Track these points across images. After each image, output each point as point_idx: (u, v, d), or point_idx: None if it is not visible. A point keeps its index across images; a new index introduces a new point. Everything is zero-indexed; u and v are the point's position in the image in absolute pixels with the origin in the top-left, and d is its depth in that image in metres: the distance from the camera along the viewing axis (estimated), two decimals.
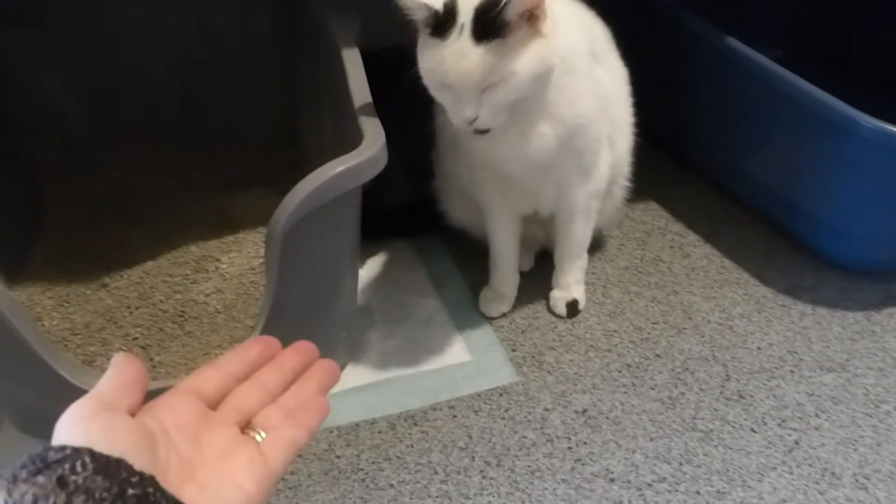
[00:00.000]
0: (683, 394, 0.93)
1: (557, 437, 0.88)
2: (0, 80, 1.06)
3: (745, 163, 1.16)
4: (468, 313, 1.04)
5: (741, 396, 0.93)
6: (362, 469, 0.85)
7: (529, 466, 0.85)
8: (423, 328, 1.02)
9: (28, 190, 1.09)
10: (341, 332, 0.93)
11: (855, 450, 0.87)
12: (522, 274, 1.06)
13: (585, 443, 0.87)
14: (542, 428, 0.89)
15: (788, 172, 1.09)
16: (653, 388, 0.94)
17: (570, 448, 0.87)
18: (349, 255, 0.88)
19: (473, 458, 0.86)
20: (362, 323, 1.01)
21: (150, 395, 0.50)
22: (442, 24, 0.75)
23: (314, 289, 0.84)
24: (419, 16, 0.76)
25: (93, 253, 1.04)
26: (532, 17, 0.75)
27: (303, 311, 0.83)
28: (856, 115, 0.95)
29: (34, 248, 1.03)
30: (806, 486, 0.83)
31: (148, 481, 0.40)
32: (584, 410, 0.91)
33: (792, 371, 0.96)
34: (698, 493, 0.82)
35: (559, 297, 1.04)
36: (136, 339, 0.92)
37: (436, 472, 0.84)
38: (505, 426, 0.89)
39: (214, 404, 0.50)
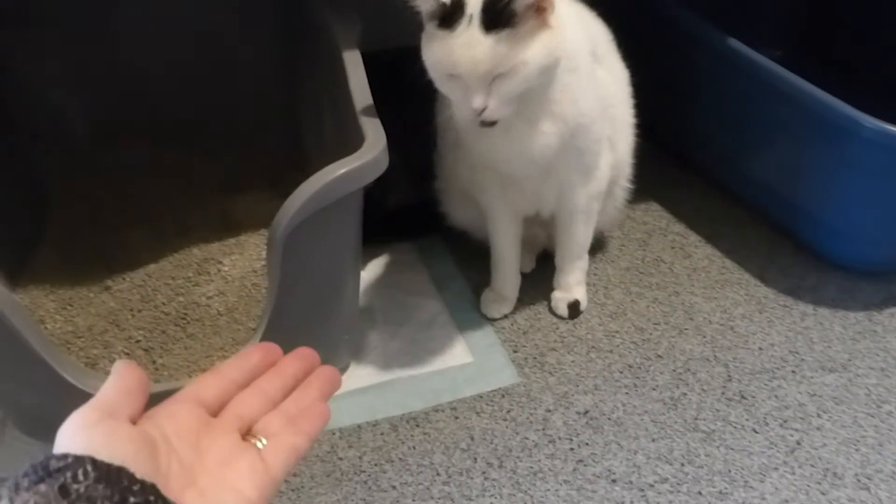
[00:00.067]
0: (685, 394, 0.93)
1: (559, 438, 0.88)
2: (1, 81, 1.06)
3: (746, 163, 1.16)
4: (470, 314, 1.04)
5: (743, 397, 0.93)
6: (364, 471, 0.85)
7: (531, 467, 0.85)
8: (425, 330, 1.02)
9: (30, 192, 1.09)
10: (343, 333, 0.93)
11: (857, 450, 0.87)
12: (524, 275, 1.06)
13: (587, 444, 0.87)
14: (543, 429, 0.89)
15: (789, 173, 1.09)
16: (654, 389, 0.94)
17: (571, 449, 0.87)
18: (351, 256, 0.88)
19: (475, 459, 0.86)
20: (364, 324, 1.01)
21: (153, 398, 0.50)
22: (450, 15, 0.75)
23: (316, 291, 0.84)
24: (426, 8, 0.76)
25: (95, 255, 1.04)
26: (540, 9, 0.75)
27: (305, 313, 0.83)
28: (857, 116, 0.95)
29: (37, 250, 1.03)
30: (808, 486, 0.83)
31: (149, 489, 0.40)
32: (586, 411, 0.91)
33: (794, 371, 0.96)
34: (700, 493, 0.82)
35: (561, 298, 1.04)
36: (138, 341, 0.92)
37: (438, 474, 0.84)
38: (507, 427, 0.89)
39: (215, 411, 0.50)
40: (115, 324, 0.94)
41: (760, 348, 0.99)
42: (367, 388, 0.94)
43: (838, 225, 1.06)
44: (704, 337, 1.01)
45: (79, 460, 0.39)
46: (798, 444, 0.88)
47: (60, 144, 1.12)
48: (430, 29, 0.77)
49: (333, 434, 0.88)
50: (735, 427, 0.89)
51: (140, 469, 0.41)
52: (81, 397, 0.73)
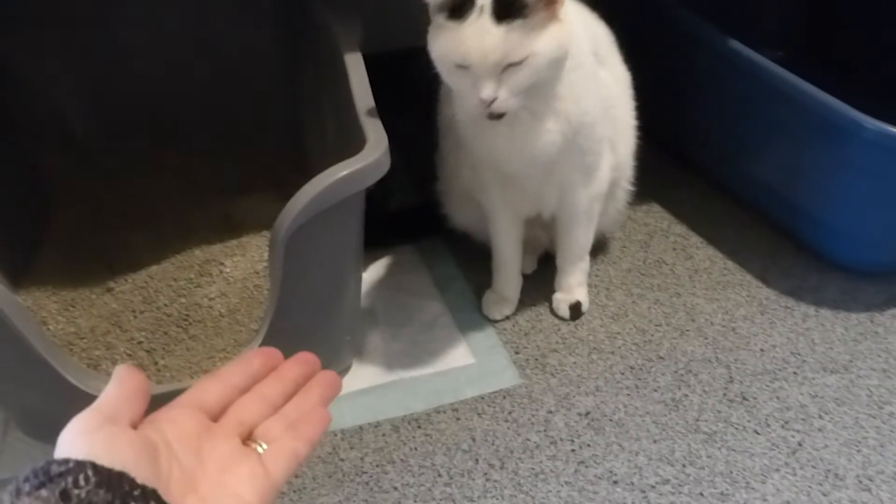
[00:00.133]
0: (686, 396, 0.93)
1: (561, 440, 0.88)
2: (4, 83, 1.06)
3: (747, 164, 1.16)
4: (471, 316, 1.04)
5: (744, 398, 0.93)
6: (366, 472, 0.85)
7: (533, 469, 0.85)
8: (427, 331, 1.02)
9: (32, 194, 1.09)
10: (345, 335, 0.93)
11: (858, 451, 0.87)
12: (525, 276, 1.06)
13: (589, 445, 0.88)
14: (545, 430, 0.89)
15: (790, 174, 1.09)
16: (656, 391, 0.94)
17: (573, 450, 0.87)
18: (352, 258, 0.88)
19: (477, 460, 0.86)
20: (366, 326, 1.01)
21: (156, 400, 0.51)
22: (460, 6, 0.75)
23: (318, 292, 0.84)
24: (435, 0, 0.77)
25: (97, 257, 1.04)
26: (550, 2, 0.76)
27: (306, 315, 0.83)
28: (858, 117, 0.95)
29: (39, 251, 1.04)
30: (809, 487, 0.83)
31: (150, 494, 0.40)
32: (588, 413, 0.91)
33: (795, 372, 0.96)
34: (701, 494, 0.82)
35: (562, 300, 1.04)
36: (140, 342, 0.92)
37: (439, 475, 0.84)
38: (508, 429, 0.89)
39: (216, 416, 0.50)
40: (117, 325, 0.95)
41: (762, 349, 1.00)
42: (368, 390, 0.94)
43: (839, 226, 1.06)
44: (706, 338, 1.01)
45: (80, 465, 0.39)
46: (799, 445, 0.88)
47: (62, 145, 1.12)
48: (439, 21, 0.77)
49: (335, 435, 0.88)
50: (736, 428, 0.89)
51: (141, 474, 0.41)
52: (84, 398, 0.73)
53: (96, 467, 0.39)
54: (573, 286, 1.04)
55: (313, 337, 0.87)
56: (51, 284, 0.99)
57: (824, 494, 0.82)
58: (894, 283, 1.09)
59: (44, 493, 0.38)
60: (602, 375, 0.96)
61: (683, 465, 0.85)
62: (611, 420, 0.90)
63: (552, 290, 1.05)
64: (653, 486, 0.83)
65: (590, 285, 1.07)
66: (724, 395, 0.93)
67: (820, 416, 0.91)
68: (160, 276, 1.01)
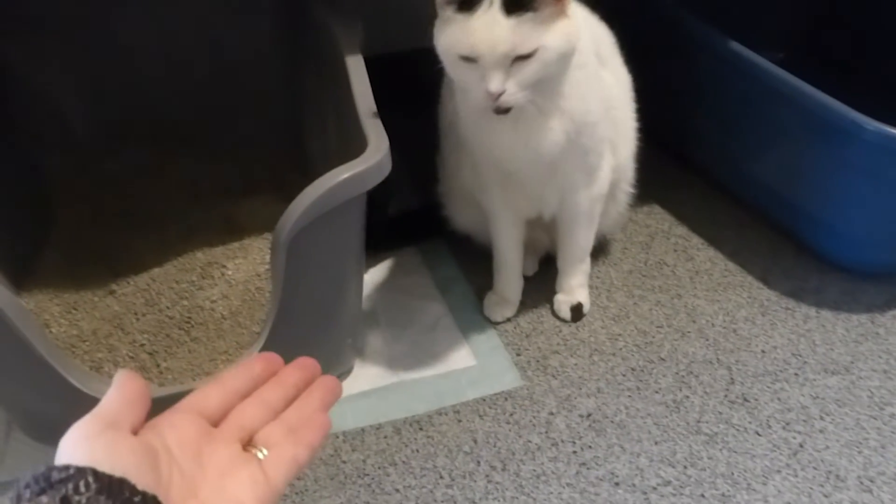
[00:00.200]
0: (688, 397, 0.93)
1: (562, 441, 0.88)
2: (5, 84, 1.07)
3: (748, 166, 1.16)
4: (473, 318, 1.04)
5: (745, 399, 0.93)
6: (368, 474, 0.85)
7: (534, 471, 0.85)
8: (428, 333, 1.02)
9: (35, 197, 1.10)
10: (347, 337, 0.93)
11: (859, 452, 0.87)
12: (526, 278, 1.06)
13: (590, 447, 0.88)
14: (546, 432, 0.89)
15: (791, 175, 1.09)
16: (657, 392, 0.94)
17: (574, 452, 0.87)
18: (354, 260, 0.88)
19: (479, 462, 0.86)
20: (367, 328, 1.02)
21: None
22: None
23: (320, 295, 0.84)
24: None
25: (100, 259, 1.04)
26: None
27: (308, 317, 0.84)
28: (858, 119, 0.95)
29: (42, 255, 1.04)
30: (811, 488, 0.83)
31: (150, 500, 0.40)
32: (589, 414, 0.91)
33: (796, 374, 0.96)
34: (703, 496, 0.82)
35: (563, 301, 1.04)
36: (143, 345, 0.93)
37: (441, 477, 0.85)
38: (510, 430, 0.90)
39: (217, 421, 0.50)
40: (119, 327, 0.95)
41: (763, 351, 1.00)
42: (370, 392, 0.94)
43: (840, 227, 1.06)
44: (707, 340, 1.01)
45: (80, 472, 0.39)
46: (801, 446, 0.88)
47: (63, 148, 1.13)
48: (447, 14, 0.77)
49: (337, 437, 0.88)
50: (738, 430, 0.90)
51: (141, 480, 0.41)
52: (86, 401, 0.74)
53: (97, 473, 0.39)
54: (574, 288, 1.04)
55: (315, 339, 0.87)
56: (53, 287, 0.99)
57: (825, 496, 0.82)
58: (895, 284, 1.09)
59: (44, 499, 0.38)
60: (603, 377, 0.96)
61: (685, 467, 0.85)
62: (612, 422, 0.91)
63: (553, 292, 1.06)
64: (654, 488, 0.83)
65: (591, 287, 1.07)
66: (726, 396, 0.94)
67: (821, 418, 0.91)
68: (162, 279, 1.01)
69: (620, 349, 1.00)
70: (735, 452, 0.87)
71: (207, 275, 1.01)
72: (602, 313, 1.05)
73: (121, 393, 0.47)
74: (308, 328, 0.85)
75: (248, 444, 0.50)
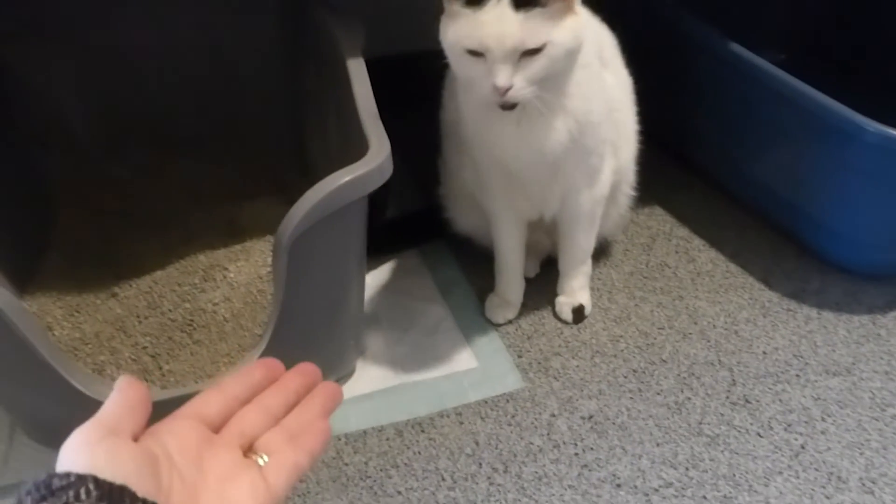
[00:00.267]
0: (689, 399, 0.94)
1: (564, 443, 0.88)
2: (7, 89, 1.07)
3: (749, 167, 1.16)
4: (474, 320, 1.04)
5: (747, 401, 0.93)
6: (370, 476, 0.85)
7: (536, 472, 0.85)
8: (430, 335, 1.02)
9: (36, 199, 1.10)
10: (348, 339, 0.94)
11: (861, 454, 0.87)
12: (528, 280, 1.06)
13: (592, 448, 0.88)
14: (548, 434, 0.89)
15: (793, 176, 1.09)
16: (659, 394, 0.94)
17: (576, 454, 0.87)
18: (356, 262, 0.88)
19: (481, 464, 0.86)
20: (369, 330, 1.02)
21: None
22: None
23: (321, 297, 0.84)
24: None
25: (102, 262, 1.04)
26: None
27: (310, 320, 0.84)
28: (859, 120, 0.95)
29: (44, 257, 1.04)
30: (812, 490, 0.83)
31: None
32: (591, 416, 0.91)
33: (798, 375, 0.97)
34: (705, 497, 0.82)
35: (565, 303, 1.04)
36: (145, 347, 0.93)
37: (443, 479, 0.85)
38: (512, 432, 0.90)
39: (217, 427, 0.50)
40: (122, 330, 0.95)
41: (765, 352, 1.00)
42: (372, 394, 0.94)
43: (841, 228, 1.06)
44: (709, 341, 1.01)
45: (81, 479, 0.39)
46: (802, 448, 0.88)
47: (64, 149, 1.13)
48: (455, 8, 0.77)
49: (339, 439, 0.89)
50: (739, 431, 0.90)
51: (142, 487, 0.41)
52: (89, 404, 0.74)
53: (97, 481, 0.39)
54: (576, 290, 1.04)
55: (317, 341, 0.87)
56: (56, 290, 0.99)
57: (827, 497, 0.83)
58: None
59: None
60: (605, 379, 0.96)
61: (686, 469, 0.86)
62: (614, 423, 0.91)
63: (555, 294, 1.06)
64: (656, 490, 0.83)
65: (592, 289, 1.07)
66: (727, 398, 0.94)
67: (823, 419, 0.91)
68: (164, 282, 1.01)
69: (622, 351, 1.00)
70: (737, 454, 0.87)
71: (209, 277, 1.01)
72: (603, 315, 1.05)
73: (122, 399, 0.47)
74: (310, 330, 0.85)
75: (248, 450, 0.50)
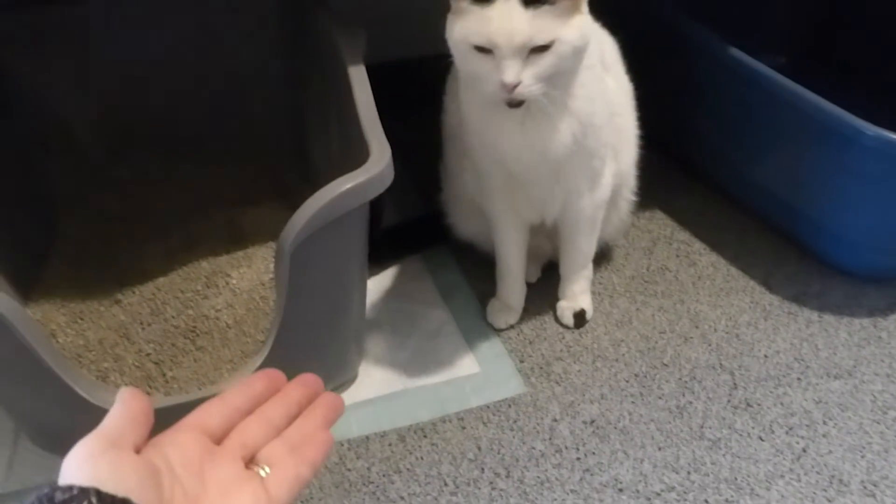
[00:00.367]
0: (691, 402, 0.94)
1: (566, 448, 0.89)
2: (13, 97, 1.07)
3: (749, 170, 1.16)
4: (476, 324, 1.05)
5: (748, 404, 0.93)
6: (373, 482, 0.85)
7: (538, 477, 0.85)
8: (432, 340, 1.02)
9: (41, 206, 1.10)
10: (350, 344, 0.94)
11: (863, 456, 0.87)
12: (529, 285, 1.06)
13: (594, 453, 0.88)
14: (550, 438, 0.90)
15: (793, 180, 1.09)
16: (660, 398, 0.94)
17: (578, 458, 0.87)
18: (357, 268, 0.89)
19: (483, 469, 0.86)
20: (371, 335, 1.02)
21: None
22: None
23: (324, 303, 0.85)
24: None
25: (105, 268, 1.05)
26: None
27: (313, 325, 0.84)
28: (858, 124, 0.96)
29: (47, 263, 1.04)
30: (814, 493, 0.83)
31: None
32: (593, 420, 0.92)
33: (799, 378, 0.97)
34: (706, 501, 0.83)
35: (566, 308, 1.05)
36: (148, 354, 0.93)
37: (446, 484, 0.85)
38: (514, 437, 0.90)
39: (219, 439, 0.51)
40: (125, 337, 0.95)
41: (766, 355, 1.00)
42: (374, 399, 0.94)
43: (842, 231, 1.07)
44: (710, 345, 1.01)
45: (83, 492, 0.40)
46: (804, 451, 0.88)
47: (66, 154, 1.13)
48: (463, 6, 0.78)
49: (342, 445, 0.89)
50: (741, 435, 0.90)
51: (144, 500, 0.41)
52: (93, 410, 0.74)
53: (100, 494, 0.40)
54: (577, 294, 1.05)
55: (319, 347, 0.88)
56: (59, 297, 0.99)
57: (829, 500, 0.83)
58: None
59: None
60: (607, 383, 0.96)
61: (688, 472, 0.86)
62: (616, 428, 0.91)
63: (556, 299, 1.06)
64: (658, 494, 0.84)
65: (593, 293, 1.08)
66: (729, 401, 0.94)
67: (824, 422, 0.91)
68: (167, 288, 1.02)
69: (623, 355, 1.00)
70: (738, 457, 0.87)
71: (212, 284, 1.01)
72: (605, 319, 1.06)
73: (124, 411, 0.47)
74: (312, 336, 0.85)
75: (250, 461, 0.51)
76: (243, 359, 0.92)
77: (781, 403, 0.93)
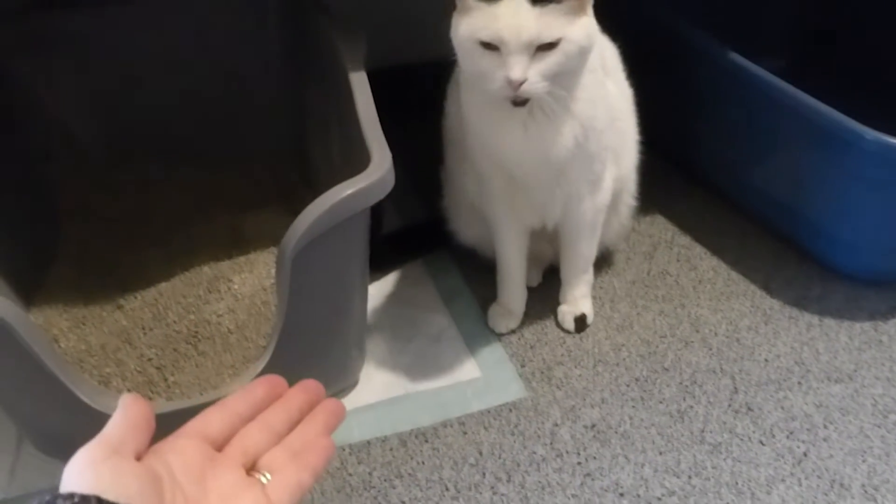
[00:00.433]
0: (692, 407, 0.94)
1: (567, 452, 0.89)
2: (16, 102, 1.08)
3: (750, 175, 1.16)
4: (477, 329, 1.05)
5: (749, 408, 0.93)
6: (374, 486, 0.85)
7: (539, 482, 0.86)
8: (433, 344, 1.03)
9: (44, 211, 1.11)
10: (352, 349, 0.94)
11: (864, 460, 0.87)
12: (530, 290, 1.06)
13: (595, 457, 0.88)
14: (551, 443, 0.90)
15: (793, 184, 1.09)
16: (661, 402, 0.95)
17: (579, 463, 0.88)
18: (359, 273, 0.89)
19: (484, 473, 0.87)
20: (372, 340, 1.02)
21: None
22: None
23: (325, 308, 0.85)
24: None
25: (107, 273, 1.05)
26: None
27: (314, 330, 0.84)
28: (858, 128, 0.96)
29: (50, 269, 1.05)
30: (815, 497, 0.83)
31: None
32: (594, 425, 0.92)
33: (800, 382, 0.97)
34: None
35: (567, 312, 1.05)
36: (150, 359, 0.93)
37: (447, 489, 0.85)
38: (515, 442, 0.90)
39: (220, 445, 0.51)
40: (127, 342, 0.96)
41: (766, 359, 1.00)
42: (376, 404, 0.95)
43: (842, 235, 1.07)
44: (710, 349, 1.02)
45: (85, 500, 0.40)
46: (805, 455, 0.88)
47: (68, 159, 1.13)
48: (469, 3, 0.78)
49: (343, 449, 0.89)
50: (742, 439, 0.90)
51: None
52: (95, 416, 0.75)
53: (101, 501, 0.40)
54: (578, 298, 1.05)
55: (321, 352, 0.88)
56: (61, 302, 1.00)
57: None
58: None
59: None
60: (607, 387, 0.97)
61: (689, 477, 0.86)
62: (616, 432, 0.91)
63: (557, 303, 1.06)
64: (659, 498, 0.84)
65: (594, 297, 1.08)
66: (729, 405, 0.94)
67: (825, 426, 0.91)
68: (169, 293, 1.02)
69: (624, 359, 1.00)
70: (739, 462, 0.87)
71: (214, 289, 1.02)
72: (606, 324, 1.06)
73: (125, 417, 0.47)
74: (314, 341, 0.85)
75: (251, 468, 0.51)
76: (245, 364, 0.93)
77: (782, 407, 0.94)
